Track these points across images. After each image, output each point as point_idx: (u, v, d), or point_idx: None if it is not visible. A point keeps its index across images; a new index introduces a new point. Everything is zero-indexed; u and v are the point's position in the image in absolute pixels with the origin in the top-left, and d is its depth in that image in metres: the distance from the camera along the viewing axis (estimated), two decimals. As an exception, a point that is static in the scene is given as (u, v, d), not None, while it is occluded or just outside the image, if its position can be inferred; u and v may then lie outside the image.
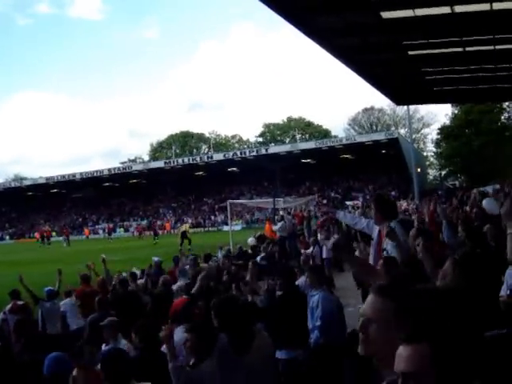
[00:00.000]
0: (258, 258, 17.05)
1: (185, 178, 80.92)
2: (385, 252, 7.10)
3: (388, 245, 7.08)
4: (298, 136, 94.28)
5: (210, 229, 68.33)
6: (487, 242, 7.79)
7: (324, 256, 19.86)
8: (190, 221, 61.36)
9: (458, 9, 17.54)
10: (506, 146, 68.12)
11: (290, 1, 17.09)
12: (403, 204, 41.04)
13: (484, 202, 12.59)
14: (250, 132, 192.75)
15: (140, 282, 15.39)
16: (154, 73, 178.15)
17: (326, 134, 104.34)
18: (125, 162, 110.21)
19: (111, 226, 78.60)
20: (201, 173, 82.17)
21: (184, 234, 39.95)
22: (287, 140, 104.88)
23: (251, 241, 25.82)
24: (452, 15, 17.99)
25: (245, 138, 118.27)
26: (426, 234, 5.82)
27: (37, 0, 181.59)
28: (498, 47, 21.93)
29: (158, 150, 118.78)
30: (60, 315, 12.30)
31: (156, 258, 18.69)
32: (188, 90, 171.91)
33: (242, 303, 6.45)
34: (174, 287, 12.73)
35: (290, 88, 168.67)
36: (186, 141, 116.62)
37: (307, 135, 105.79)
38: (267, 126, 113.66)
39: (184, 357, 5.87)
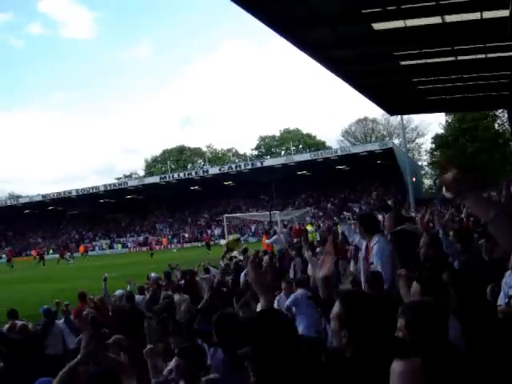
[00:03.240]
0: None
1: (180, 193, 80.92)
2: (372, 265, 7.33)
3: (373, 259, 7.36)
4: (292, 148, 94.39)
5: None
6: (479, 254, 7.82)
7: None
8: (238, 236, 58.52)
9: (449, 18, 17.65)
10: (499, 152, 68.42)
11: (282, 15, 17.17)
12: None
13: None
14: (246, 145, 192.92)
15: (139, 297, 15.32)
16: (147, 89, 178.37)
17: (321, 145, 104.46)
18: (120, 178, 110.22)
19: (88, 245, 78.96)
20: (196, 187, 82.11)
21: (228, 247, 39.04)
22: (282, 152, 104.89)
23: (237, 253, 25.56)
24: (443, 25, 18.10)
25: (241, 152, 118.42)
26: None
27: (30, 21, 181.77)
28: (489, 55, 22.05)
29: (152, 166, 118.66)
30: (60, 335, 12.15)
31: (153, 274, 18.67)
32: (182, 106, 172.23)
33: (241, 319, 6.44)
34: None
35: (284, 101, 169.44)
36: (181, 155, 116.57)
37: (302, 147, 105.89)
38: (263, 138, 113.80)
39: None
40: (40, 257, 63.45)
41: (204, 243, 58.57)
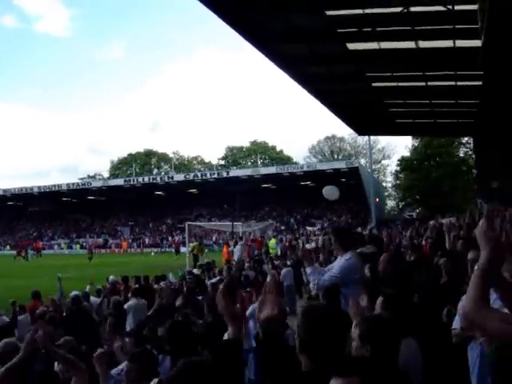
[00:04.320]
0: (215, 280, 16.96)
1: (144, 197, 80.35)
2: (326, 270, 7.39)
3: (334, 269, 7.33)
4: (259, 161, 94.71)
5: (168, 249, 67.85)
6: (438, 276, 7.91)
7: (285, 283, 19.69)
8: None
9: (423, 44, 17.95)
10: (462, 180, 69.37)
11: (260, 28, 17.29)
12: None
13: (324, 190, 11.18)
14: (213, 154, 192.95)
15: (95, 299, 15.21)
16: (118, 91, 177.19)
17: (287, 160, 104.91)
18: (84, 178, 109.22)
19: (43, 243, 77.61)
20: (161, 192, 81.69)
21: (195, 255, 38.30)
22: (249, 164, 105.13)
23: (196, 271, 25.41)
24: (416, 50, 18.40)
25: (207, 160, 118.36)
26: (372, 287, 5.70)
27: (4, 13, 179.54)
28: (459, 83, 22.43)
29: (118, 168, 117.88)
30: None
31: (111, 277, 18.54)
32: (151, 110, 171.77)
33: (195, 329, 6.41)
34: (127, 305, 12.65)
35: (253, 113, 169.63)
36: (147, 160, 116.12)
37: (268, 160, 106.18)
38: (230, 149, 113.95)
39: None
40: (25, 252, 62.53)
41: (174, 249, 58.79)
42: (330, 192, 10.21)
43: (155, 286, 16.56)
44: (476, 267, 2.78)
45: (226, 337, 3.98)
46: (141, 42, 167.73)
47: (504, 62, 16.69)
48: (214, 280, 17.15)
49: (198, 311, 9.99)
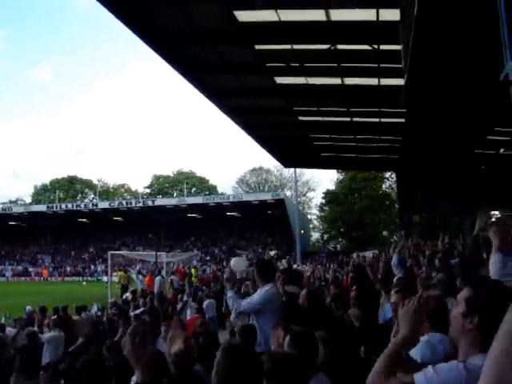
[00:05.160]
0: (138, 312, 16.65)
1: (67, 224, 78.76)
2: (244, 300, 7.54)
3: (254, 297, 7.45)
4: (185, 190, 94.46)
5: (89, 278, 66.55)
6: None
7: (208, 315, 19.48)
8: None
9: (348, 81, 18.32)
10: (384, 213, 70.81)
11: (190, 59, 17.35)
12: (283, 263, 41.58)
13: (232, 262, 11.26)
14: (139, 182, 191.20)
15: (11, 330, 14.68)
16: (43, 115, 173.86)
17: (213, 190, 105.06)
18: (5, 203, 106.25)
19: None
20: (84, 220, 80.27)
21: (123, 286, 36.67)
22: (175, 193, 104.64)
23: (128, 296, 25.22)
24: (342, 87, 18.76)
25: (133, 188, 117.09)
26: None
27: None
28: (382, 120, 22.95)
29: (41, 193, 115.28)
30: None
31: (28, 308, 18.01)
32: (76, 136, 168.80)
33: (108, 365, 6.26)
34: (46, 337, 12.28)
35: (180, 142, 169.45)
36: (71, 186, 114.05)
37: (195, 190, 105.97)
38: (157, 177, 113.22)
39: None
40: None
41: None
42: (237, 263, 10.28)
43: (76, 318, 16.17)
44: (390, 343, 2.94)
45: (133, 382, 3.87)
46: (69, 63, 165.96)
47: (425, 101, 17.16)
48: (137, 311, 16.87)
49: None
